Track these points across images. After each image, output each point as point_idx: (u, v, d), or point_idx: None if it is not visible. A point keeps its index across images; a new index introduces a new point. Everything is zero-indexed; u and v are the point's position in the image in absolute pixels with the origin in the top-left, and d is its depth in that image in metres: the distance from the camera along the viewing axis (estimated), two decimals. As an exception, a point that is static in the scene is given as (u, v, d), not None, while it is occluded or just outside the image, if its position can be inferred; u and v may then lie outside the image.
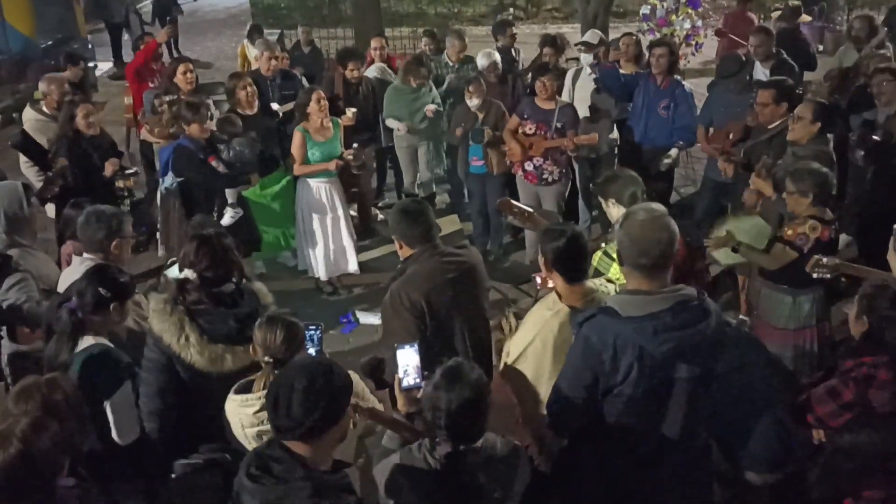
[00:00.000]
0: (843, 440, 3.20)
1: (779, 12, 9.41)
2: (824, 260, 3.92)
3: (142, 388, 3.17)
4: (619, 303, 2.63)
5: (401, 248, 3.52)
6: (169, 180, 5.69)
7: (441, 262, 3.44)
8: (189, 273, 3.20)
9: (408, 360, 2.82)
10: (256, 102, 6.30)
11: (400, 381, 2.83)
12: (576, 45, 7.25)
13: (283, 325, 2.88)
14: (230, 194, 5.75)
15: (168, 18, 13.14)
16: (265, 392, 2.75)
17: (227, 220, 5.65)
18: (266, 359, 2.85)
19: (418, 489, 2.58)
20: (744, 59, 6.30)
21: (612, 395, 2.64)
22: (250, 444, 2.86)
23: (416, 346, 2.85)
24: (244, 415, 2.84)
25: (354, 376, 3.39)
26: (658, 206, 2.78)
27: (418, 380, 2.81)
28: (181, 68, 6.68)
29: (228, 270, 3.26)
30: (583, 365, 2.64)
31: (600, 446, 2.80)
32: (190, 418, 3.14)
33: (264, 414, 2.73)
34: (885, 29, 7.39)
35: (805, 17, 9.44)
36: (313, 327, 3.06)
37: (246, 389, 2.87)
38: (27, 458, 2.31)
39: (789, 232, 4.15)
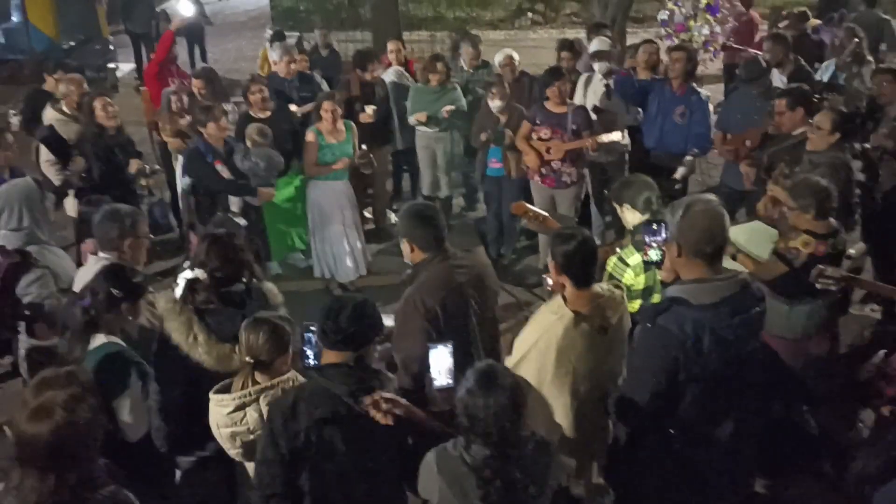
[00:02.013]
0: None
1: (786, 21, 9.37)
2: (828, 271, 3.90)
3: (151, 385, 3.20)
4: (687, 292, 2.72)
5: (412, 251, 3.48)
6: (185, 182, 5.79)
7: (452, 268, 3.42)
8: (199, 273, 3.23)
9: (440, 361, 2.81)
10: (270, 106, 6.39)
11: (432, 380, 2.82)
12: (590, 56, 7.20)
13: (269, 327, 2.87)
14: (234, 202, 5.79)
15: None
16: (242, 393, 2.83)
17: None
18: (248, 359, 2.85)
19: (456, 488, 2.59)
20: (765, 64, 6.27)
21: (692, 382, 2.72)
22: (224, 444, 2.89)
23: (449, 347, 2.84)
24: (219, 414, 2.85)
25: None
26: (711, 196, 2.89)
27: (450, 380, 2.79)
28: (196, 83, 6.81)
29: (238, 270, 3.29)
30: (665, 354, 2.70)
31: (672, 434, 2.84)
32: (198, 416, 3.16)
33: (238, 415, 2.82)
34: (857, 40, 7.44)
35: (814, 22, 9.38)
36: (312, 328, 3.03)
37: (226, 389, 2.88)
38: (73, 427, 2.34)
39: (782, 245, 4.11)
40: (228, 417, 2.84)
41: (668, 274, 2.97)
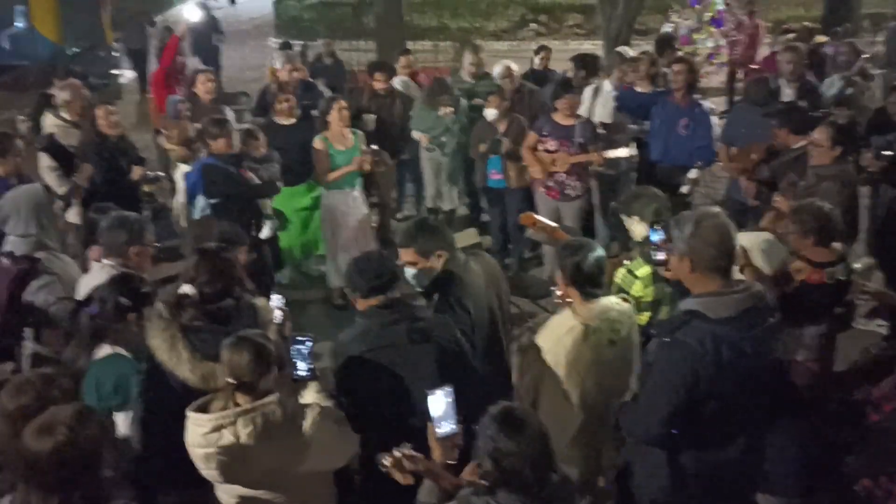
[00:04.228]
0: None
1: (794, 34, 9.39)
2: (868, 286, 3.89)
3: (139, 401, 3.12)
4: (704, 306, 2.70)
5: (415, 263, 3.42)
6: (202, 203, 5.33)
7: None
8: (188, 288, 3.14)
9: (441, 406, 2.61)
10: (296, 114, 6.44)
11: (434, 429, 2.62)
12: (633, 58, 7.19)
13: (253, 347, 2.73)
14: (265, 206, 5.70)
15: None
16: (220, 415, 2.69)
17: (267, 232, 5.60)
18: (229, 380, 2.72)
19: None
20: (772, 87, 6.28)
21: (711, 395, 2.71)
22: (197, 464, 2.76)
23: (448, 391, 2.63)
24: (195, 434, 2.72)
25: None
26: (715, 209, 2.89)
27: (453, 426, 2.61)
28: (201, 77, 6.76)
29: (228, 286, 3.20)
30: (685, 369, 2.68)
31: (689, 449, 2.83)
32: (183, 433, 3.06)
33: (214, 437, 2.68)
34: (863, 56, 7.49)
35: (820, 38, 9.41)
36: (303, 339, 2.98)
37: (205, 408, 2.76)
38: (75, 446, 2.31)
39: (786, 266, 4.06)
40: (204, 438, 2.70)
41: (674, 272, 2.94)
